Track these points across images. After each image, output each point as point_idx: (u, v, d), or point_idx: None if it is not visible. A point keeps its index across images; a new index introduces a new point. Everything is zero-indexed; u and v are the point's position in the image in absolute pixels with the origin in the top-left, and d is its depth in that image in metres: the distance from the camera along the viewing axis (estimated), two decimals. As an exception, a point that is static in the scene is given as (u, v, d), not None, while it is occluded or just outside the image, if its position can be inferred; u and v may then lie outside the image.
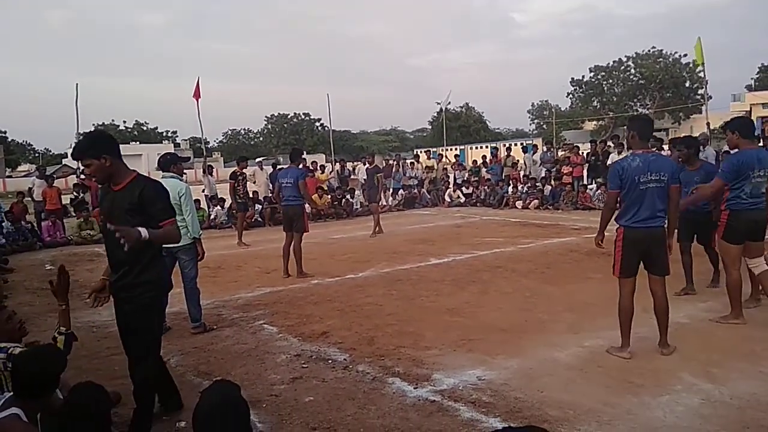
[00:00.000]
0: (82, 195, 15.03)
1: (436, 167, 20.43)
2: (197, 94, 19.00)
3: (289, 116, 74.45)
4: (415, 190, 18.90)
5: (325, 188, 17.01)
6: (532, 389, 3.95)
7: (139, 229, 3.20)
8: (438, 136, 48.79)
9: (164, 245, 5.76)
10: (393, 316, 5.96)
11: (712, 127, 18.66)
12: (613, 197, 4.48)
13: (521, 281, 7.31)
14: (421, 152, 31.96)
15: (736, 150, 5.17)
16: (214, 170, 19.75)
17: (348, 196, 17.12)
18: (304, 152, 9.46)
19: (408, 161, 21.12)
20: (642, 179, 4.28)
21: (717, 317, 5.24)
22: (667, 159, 4.67)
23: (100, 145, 3.32)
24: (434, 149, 31.78)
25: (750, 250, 5.14)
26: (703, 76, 18.79)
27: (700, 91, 42.63)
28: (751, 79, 61.86)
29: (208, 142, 61.48)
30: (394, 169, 19.37)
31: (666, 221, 4.45)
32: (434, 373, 4.33)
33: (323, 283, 7.72)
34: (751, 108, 47.67)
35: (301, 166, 9.49)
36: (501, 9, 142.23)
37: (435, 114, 63.30)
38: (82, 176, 15.80)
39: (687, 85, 57.20)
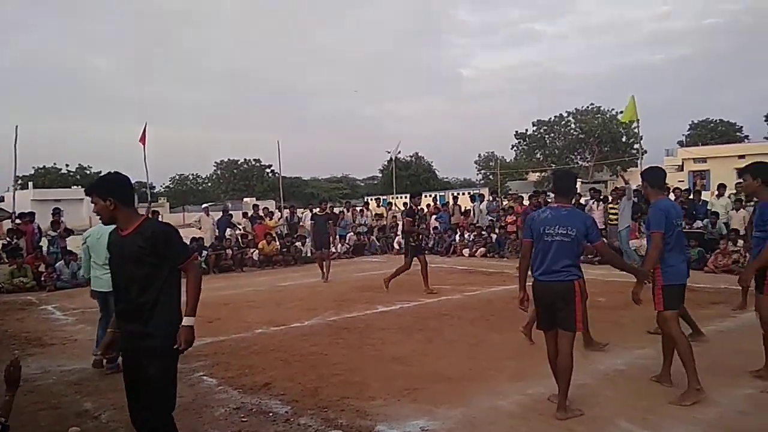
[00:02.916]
0: (16, 241, 14.34)
1: (385, 215, 20.61)
2: (143, 140, 18.78)
3: (239, 162, 73.98)
4: (365, 237, 18.96)
5: (274, 235, 16.86)
6: (475, 439, 3.94)
7: (183, 324, 3.21)
8: (388, 184, 49.36)
9: (96, 289, 5.65)
10: (338, 365, 5.88)
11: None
12: (527, 246, 4.52)
13: (467, 329, 7.37)
14: (371, 200, 32.26)
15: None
16: (160, 216, 19.34)
17: (297, 243, 16.99)
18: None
19: (358, 208, 21.27)
20: (548, 230, 4.29)
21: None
22: (582, 215, 4.60)
23: (109, 187, 3.34)
24: (384, 197, 32.17)
25: None
26: (638, 131, 19.81)
27: (636, 146, 44.95)
28: (683, 135, 65.96)
29: (154, 186, 60.07)
30: (341, 217, 19.47)
31: (576, 276, 4.30)
32: (378, 424, 4.27)
33: (268, 332, 7.56)
34: (683, 162, 50.33)
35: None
36: (449, 65, 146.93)
37: (385, 162, 64.30)
38: (17, 221, 15.15)
39: (624, 140, 60.29)
